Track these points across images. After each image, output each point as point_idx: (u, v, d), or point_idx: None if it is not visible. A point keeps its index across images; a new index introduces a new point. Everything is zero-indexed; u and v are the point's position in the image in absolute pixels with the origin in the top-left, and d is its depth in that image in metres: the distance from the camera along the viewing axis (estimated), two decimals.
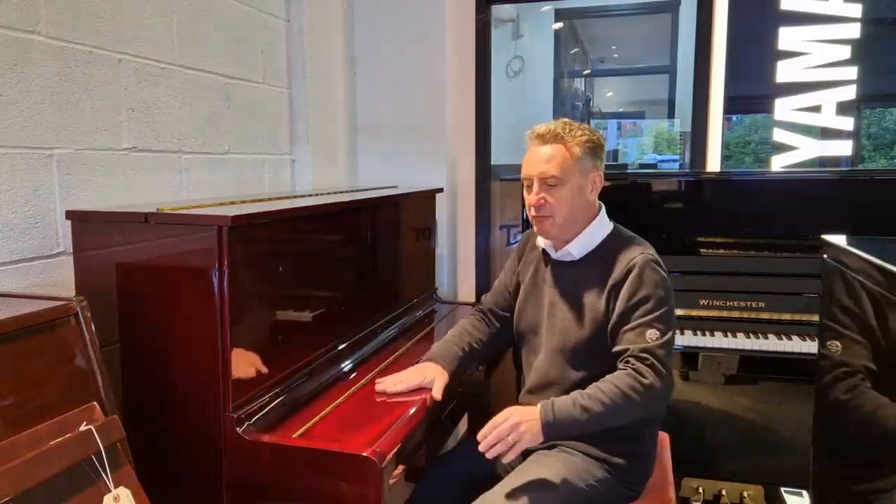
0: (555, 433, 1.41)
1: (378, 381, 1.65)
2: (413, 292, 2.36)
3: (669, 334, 1.46)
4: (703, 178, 2.66)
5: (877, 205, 2.33)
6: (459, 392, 1.81)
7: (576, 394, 1.44)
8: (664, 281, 1.49)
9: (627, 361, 1.44)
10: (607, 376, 1.45)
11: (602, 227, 1.60)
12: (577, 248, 1.59)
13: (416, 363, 1.70)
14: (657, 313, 1.45)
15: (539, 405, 1.42)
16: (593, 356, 1.55)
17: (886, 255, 1.19)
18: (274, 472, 1.32)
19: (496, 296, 1.83)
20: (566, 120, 1.57)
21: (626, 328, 1.47)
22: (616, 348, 1.48)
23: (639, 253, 1.52)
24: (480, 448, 1.41)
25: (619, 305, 1.49)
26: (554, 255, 1.64)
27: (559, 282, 1.62)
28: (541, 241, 1.67)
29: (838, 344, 1.44)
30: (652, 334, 1.43)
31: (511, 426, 1.38)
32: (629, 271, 1.50)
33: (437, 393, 1.59)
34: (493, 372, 2.22)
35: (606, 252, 1.57)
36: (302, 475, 1.31)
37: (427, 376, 1.63)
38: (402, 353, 1.93)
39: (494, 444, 1.39)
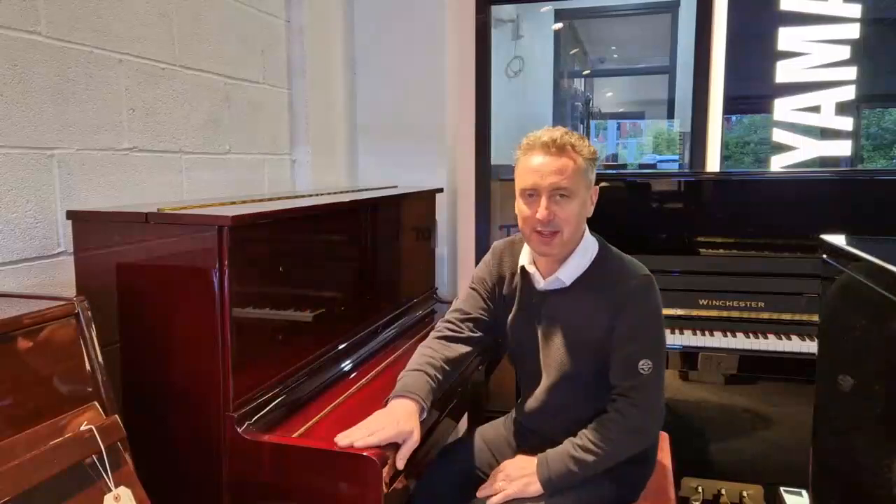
0: (555, 488, 1.44)
1: (342, 434, 1.32)
2: (413, 292, 2.37)
3: (661, 361, 1.44)
4: (703, 178, 2.67)
5: (877, 205, 2.33)
6: (460, 392, 1.81)
7: (568, 445, 1.45)
8: (658, 305, 1.47)
9: (615, 400, 1.45)
10: (597, 420, 1.45)
11: (590, 247, 1.52)
12: (567, 273, 1.49)
13: (386, 402, 1.45)
14: (652, 341, 1.44)
15: (536, 461, 1.46)
16: (600, 383, 1.50)
17: (886, 255, 1.19)
18: (274, 472, 1.32)
19: (475, 304, 1.67)
20: (565, 129, 1.47)
21: (618, 358, 1.44)
22: (611, 379, 1.47)
23: (635, 276, 1.46)
24: (479, 494, 1.48)
25: (618, 334, 1.44)
26: (542, 285, 1.53)
27: (553, 313, 1.53)
28: (529, 267, 1.55)
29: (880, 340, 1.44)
30: (645, 364, 1.41)
31: (504, 478, 1.47)
32: (628, 296, 1.44)
33: (401, 461, 1.33)
34: (493, 372, 2.22)
35: (600, 275, 1.49)
36: (302, 475, 1.31)
37: (402, 428, 1.35)
38: (402, 352, 1.93)
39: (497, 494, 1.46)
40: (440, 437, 1.66)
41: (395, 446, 1.33)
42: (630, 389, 1.43)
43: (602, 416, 1.46)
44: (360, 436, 1.31)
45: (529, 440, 1.63)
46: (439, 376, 1.52)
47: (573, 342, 1.50)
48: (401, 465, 1.33)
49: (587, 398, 1.52)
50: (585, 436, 1.44)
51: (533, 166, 1.44)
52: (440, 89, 2.74)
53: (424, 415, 1.45)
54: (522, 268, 1.58)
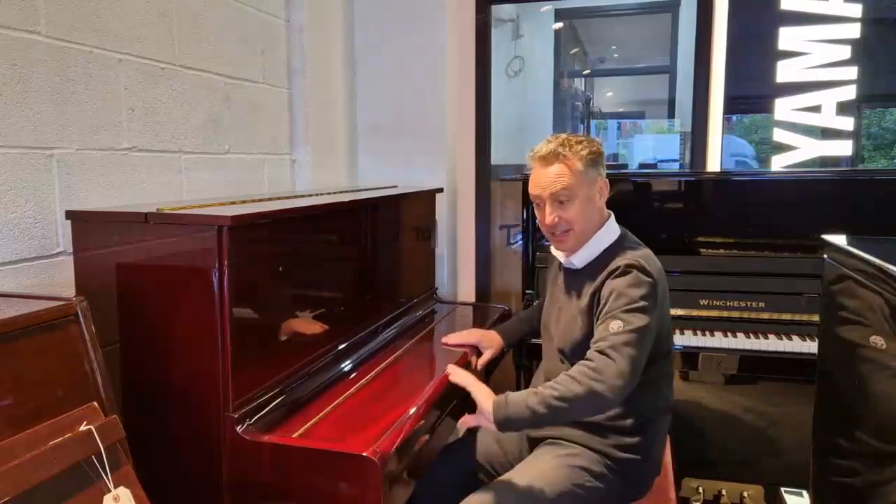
0: (510, 428, 1.48)
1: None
2: (413, 292, 2.36)
3: (635, 326, 1.42)
4: (703, 178, 2.67)
5: (877, 205, 2.33)
6: (461, 391, 1.81)
7: (529, 391, 1.45)
8: (641, 283, 1.48)
9: (585, 358, 1.45)
10: (563, 374, 1.45)
11: (607, 235, 1.62)
12: (580, 258, 1.62)
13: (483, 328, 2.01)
14: (626, 307, 1.45)
15: (493, 401, 1.47)
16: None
17: (886, 255, 1.19)
18: (274, 472, 1.32)
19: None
20: (565, 136, 1.59)
21: (596, 325, 1.50)
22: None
23: (626, 259, 1.52)
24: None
25: (599, 308, 1.51)
26: (563, 262, 1.68)
27: (566, 287, 1.66)
28: (555, 252, 1.71)
29: (880, 340, 1.40)
30: (615, 325, 1.44)
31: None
32: (610, 274, 1.51)
33: (480, 364, 1.89)
34: (493, 372, 2.22)
35: (603, 260, 1.58)
36: (302, 475, 1.31)
37: (485, 341, 1.93)
38: (403, 352, 1.93)
39: None
40: (441, 437, 1.66)
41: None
42: (600, 342, 1.44)
43: (569, 369, 1.45)
44: (454, 338, 1.95)
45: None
46: (524, 328, 2.01)
47: (573, 317, 1.60)
48: (480, 366, 1.88)
49: None
50: (551, 385, 1.43)
51: (535, 179, 1.60)
52: (440, 89, 2.74)
53: (500, 350, 1.94)
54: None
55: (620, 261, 1.52)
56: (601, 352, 1.41)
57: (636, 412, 1.55)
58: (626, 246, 1.60)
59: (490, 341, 1.93)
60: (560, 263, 1.71)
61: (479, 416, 1.50)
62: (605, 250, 1.60)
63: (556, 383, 1.41)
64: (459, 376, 1.61)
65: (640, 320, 1.44)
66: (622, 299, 1.46)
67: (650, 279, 1.49)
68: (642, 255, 1.55)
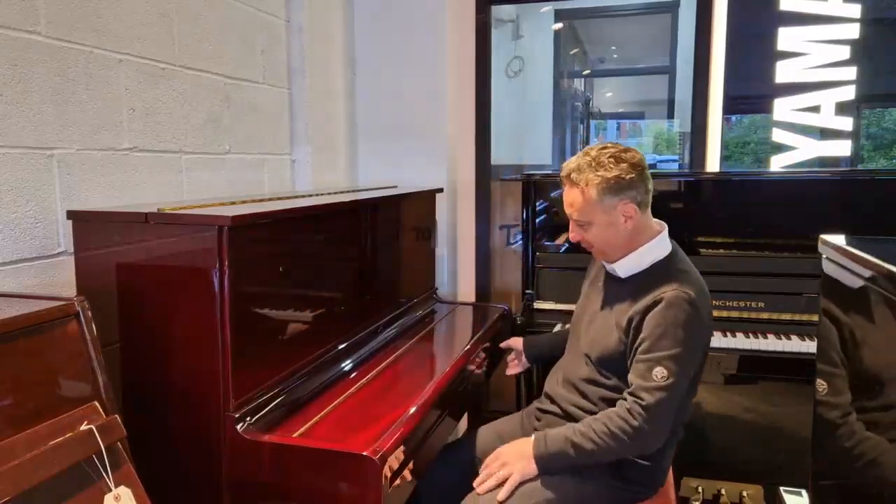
0: (547, 467, 1.50)
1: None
2: (413, 292, 2.36)
3: (678, 377, 1.44)
4: (703, 178, 2.67)
5: (877, 205, 2.33)
6: (461, 391, 1.81)
7: (568, 430, 1.49)
8: (689, 322, 1.45)
9: (625, 398, 1.47)
10: (603, 413, 1.48)
11: (655, 251, 1.57)
12: (624, 268, 1.60)
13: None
14: (671, 352, 1.44)
15: (533, 438, 1.50)
16: (606, 371, 1.57)
17: (886, 255, 1.19)
18: (274, 472, 1.32)
19: None
20: (593, 154, 1.53)
21: (638, 360, 1.47)
22: (628, 378, 1.50)
23: (674, 287, 1.48)
24: (479, 490, 1.52)
25: (640, 336, 1.48)
26: (607, 267, 1.67)
27: (605, 293, 1.65)
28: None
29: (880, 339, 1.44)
30: (659, 372, 1.43)
31: (500, 466, 1.53)
32: (655, 303, 1.47)
33: (509, 344, 2.04)
34: (493, 372, 2.22)
35: (649, 279, 1.54)
36: (302, 475, 1.31)
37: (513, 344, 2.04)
38: (403, 352, 1.93)
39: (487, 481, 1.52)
40: (441, 437, 1.66)
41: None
42: (641, 390, 1.44)
43: (609, 410, 1.48)
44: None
45: (549, 422, 1.66)
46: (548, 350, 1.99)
47: (609, 328, 1.58)
48: (506, 344, 2.08)
49: (597, 381, 1.59)
50: (589, 423, 1.47)
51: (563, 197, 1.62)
52: (440, 89, 2.74)
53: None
54: None
55: (668, 289, 1.47)
56: (645, 408, 1.43)
57: None
58: (675, 268, 1.55)
59: (518, 344, 2.02)
60: (602, 264, 1.69)
61: (511, 463, 1.52)
62: (653, 266, 1.56)
63: (589, 427, 1.47)
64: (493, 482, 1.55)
65: (681, 368, 1.44)
66: (667, 341, 1.44)
67: (696, 313, 1.46)
68: (692, 284, 1.51)
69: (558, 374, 1.73)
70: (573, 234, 1.61)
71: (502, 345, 2.10)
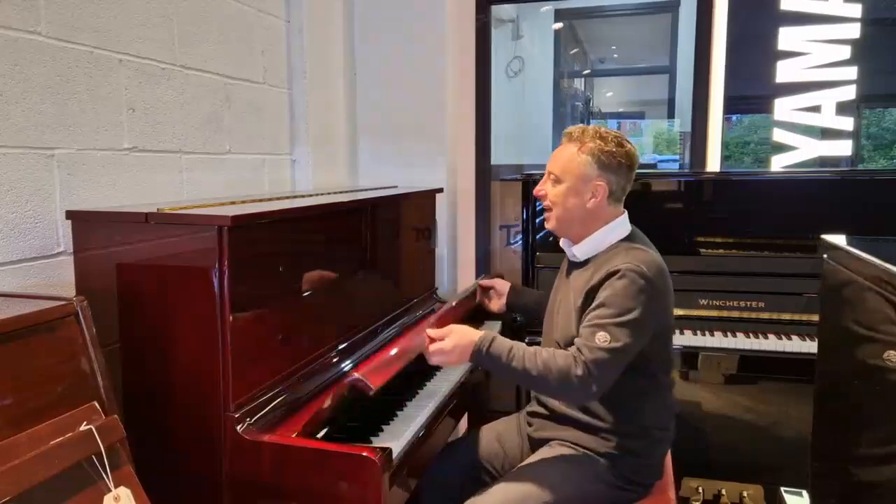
0: (480, 363, 1.52)
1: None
2: (413, 292, 2.36)
3: (622, 343, 1.42)
4: (703, 178, 2.67)
5: (877, 205, 2.33)
6: (461, 391, 1.81)
7: (516, 345, 1.48)
8: (640, 293, 1.45)
9: (573, 347, 1.46)
10: (555, 350, 1.48)
11: (612, 233, 1.59)
12: (582, 251, 1.62)
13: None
14: (616, 319, 1.43)
15: (480, 336, 1.49)
16: None
17: (886, 255, 1.19)
18: (274, 472, 1.32)
19: None
20: (598, 127, 1.58)
21: (584, 325, 1.48)
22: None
23: (626, 261, 1.49)
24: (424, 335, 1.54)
25: (592, 305, 1.50)
26: (567, 253, 1.69)
27: (570, 281, 1.65)
28: (563, 242, 1.71)
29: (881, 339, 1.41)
30: (602, 336, 1.42)
31: (443, 344, 1.51)
32: (609, 276, 1.48)
33: (492, 283, 2.10)
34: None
35: (607, 257, 1.56)
36: (302, 475, 1.31)
37: (497, 286, 2.10)
38: None
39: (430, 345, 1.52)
40: (441, 437, 1.66)
41: None
42: (584, 348, 1.44)
43: (560, 350, 1.48)
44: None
45: (541, 426, 1.66)
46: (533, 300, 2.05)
47: (569, 313, 1.59)
48: (484, 282, 2.12)
49: None
50: (538, 350, 1.47)
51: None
52: (440, 89, 2.74)
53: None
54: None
55: (621, 262, 1.49)
56: (585, 362, 1.41)
57: (639, 418, 1.56)
58: (632, 247, 1.56)
59: (503, 287, 2.08)
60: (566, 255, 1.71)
61: (455, 339, 1.51)
62: (610, 247, 1.58)
63: (537, 356, 1.45)
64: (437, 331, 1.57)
65: (625, 336, 1.42)
66: (614, 308, 1.44)
67: (648, 286, 1.45)
68: (646, 258, 1.51)
69: None
70: (539, 188, 1.64)
71: (482, 282, 2.13)
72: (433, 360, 1.53)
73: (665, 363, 1.60)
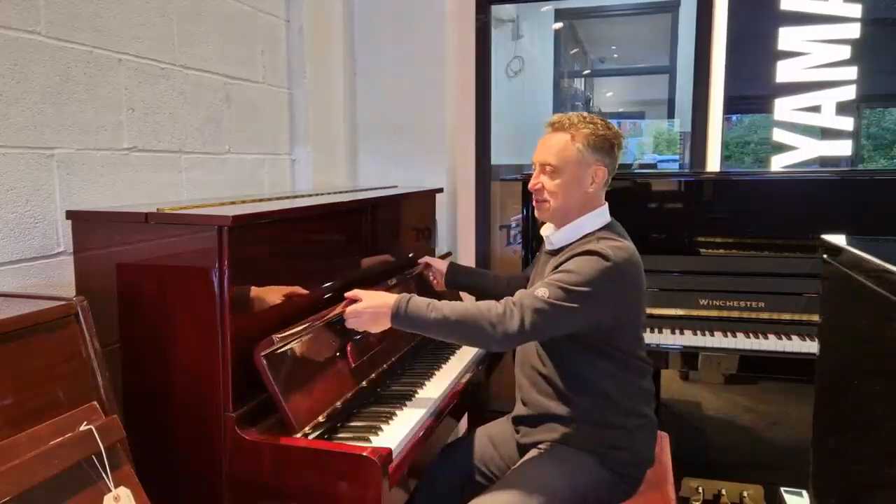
0: (401, 324, 1.49)
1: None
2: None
3: (557, 303, 1.41)
4: (703, 178, 2.67)
5: (877, 205, 2.33)
6: (461, 391, 1.81)
7: (434, 300, 1.49)
8: (598, 272, 1.44)
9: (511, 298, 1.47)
10: (478, 303, 1.49)
11: (592, 221, 1.59)
12: (558, 238, 1.62)
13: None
14: (565, 284, 1.43)
15: (396, 298, 1.49)
16: (551, 344, 1.58)
17: (886, 255, 1.19)
18: (274, 472, 1.32)
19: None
20: (583, 113, 1.59)
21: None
22: None
23: (596, 245, 1.49)
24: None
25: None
26: (545, 240, 1.68)
27: (544, 268, 1.64)
28: (543, 231, 1.70)
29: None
30: (541, 290, 1.43)
31: (356, 306, 1.52)
32: (576, 255, 1.49)
33: (429, 262, 2.11)
34: (493, 372, 2.22)
35: (580, 243, 1.56)
36: (302, 475, 1.31)
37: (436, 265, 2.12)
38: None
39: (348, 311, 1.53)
40: (440, 437, 1.66)
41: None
42: (518, 295, 1.45)
43: (489, 303, 1.48)
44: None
45: (526, 432, 1.65)
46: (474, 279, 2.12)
47: None
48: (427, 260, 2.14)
49: (559, 363, 1.57)
50: (454, 302, 1.49)
51: (538, 143, 1.62)
52: (440, 89, 2.74)
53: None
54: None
55: (590, 246, 1.49)
56: (514, 303, 1.43)
57: (612, 403, 1.55)
58: (605, 236, 1.55)
59: (440, 265, 2.10)
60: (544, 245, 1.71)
61: (367, 302, 1.51)
62: (585, 236, 1.57)
63: (461, 304, 1.46)
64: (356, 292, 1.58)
65: (567, 301, 1.41)
66: (565, 275, 1.45)
67: (609, 268, 1.44)
68: (616, 245, 1.50)
69: (519, 354, 1.73)
70: (534, 181, 1.60)
71: (421, 261, 2.15)
72: (348, 324, 1.53)
73: (633, 350, 1.58)
